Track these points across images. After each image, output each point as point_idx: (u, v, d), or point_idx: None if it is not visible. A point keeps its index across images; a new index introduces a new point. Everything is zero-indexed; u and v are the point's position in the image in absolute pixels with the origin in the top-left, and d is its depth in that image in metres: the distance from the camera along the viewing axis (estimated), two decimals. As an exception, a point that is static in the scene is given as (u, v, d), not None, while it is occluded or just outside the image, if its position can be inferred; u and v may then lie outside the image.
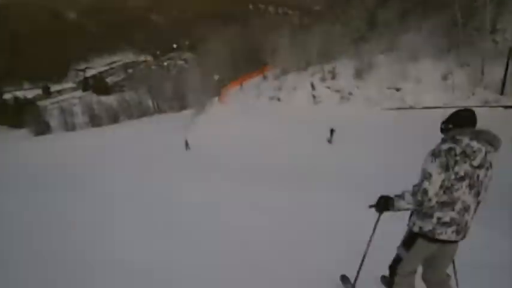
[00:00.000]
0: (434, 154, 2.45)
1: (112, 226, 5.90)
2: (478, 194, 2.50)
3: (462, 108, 2.72)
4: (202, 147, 26.86)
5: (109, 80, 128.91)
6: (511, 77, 20.40)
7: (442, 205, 2.47)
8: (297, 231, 5.38)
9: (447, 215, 2.47)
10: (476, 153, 2.45)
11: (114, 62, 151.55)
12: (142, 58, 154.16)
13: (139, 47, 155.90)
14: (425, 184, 2.41)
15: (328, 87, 27.71)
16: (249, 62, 48.47)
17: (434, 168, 2.40)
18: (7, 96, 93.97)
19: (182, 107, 50.69)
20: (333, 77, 27.77)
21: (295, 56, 32.50)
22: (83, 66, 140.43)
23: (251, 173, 15.18)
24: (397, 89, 23.84)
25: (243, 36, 58.45)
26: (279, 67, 35.49)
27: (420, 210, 2.57)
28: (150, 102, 62.10)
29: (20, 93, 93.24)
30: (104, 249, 4.83)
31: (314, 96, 28.32)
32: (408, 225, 2.74)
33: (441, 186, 2.42)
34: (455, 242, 2.58)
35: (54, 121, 63.68)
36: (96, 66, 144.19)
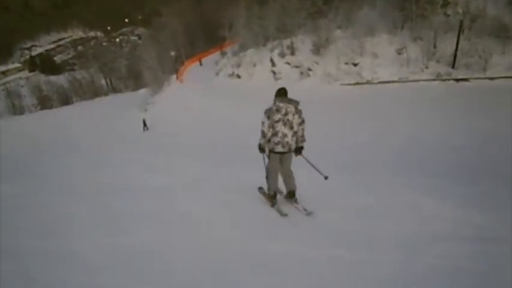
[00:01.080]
0: (265, 112, 4.63)
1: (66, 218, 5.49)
2: (291, 127, 4.63)
3: (281, 87, 4.80)
4: (160, 127, 26.17)
5: (57, 58, 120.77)
6: (462, 51, 21.19)
7: (272, 135, 4.65)
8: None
9: (276, 140, 4.65)
10: (282, 108, 4.55)
11: (63, 39, 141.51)
12: (92, 34, 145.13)
13: (88, 23, 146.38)
14: (262, 127, 4.68)
15: (288, 63, 27.50)
16: (207, 38, 47.10)
17: (264, 119, 4.62)
18: None
19: (138, 86, 48.73)
20: (292, 53, 27.54)
21: (253, 31, 31.79)
22: (28, 44, 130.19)
23: (206, 152, 14.99)
24: (355, 64, 24.13)
25: (199, 10, 56.39)
26: (238, 43, 34.69)
27: (266, 141, 4.72)
28: (103, 81, 59.17)
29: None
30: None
31: (274, 73, 28.07)
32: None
33: (269, 126, 4.61)
34: (285, 152, 4.75)
35: (0, 104, 59.20)
36: (43, 44, 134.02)
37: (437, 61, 22.33)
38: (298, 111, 4.62)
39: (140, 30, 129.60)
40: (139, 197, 6.29)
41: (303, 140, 4.80)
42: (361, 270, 3.34)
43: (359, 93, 22.91)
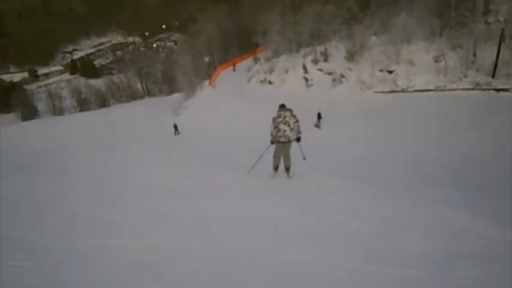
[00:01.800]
0: (272, 119, 7.32)
1: (102, 214, 5.69)
2: (289, 125, 7.11)
3: (282, 103, 7.69)
4: (192, 131, 26.69)
5: (97, 62, 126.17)
6: (503, 60, 20.27)
7: (276, 132, 7.19)
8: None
9: (279, 134, 7.14)
10: (281, 115, 7.16)
11: (102, 44, 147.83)
12: (130, 39, 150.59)
13: (127, 28, 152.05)
14: (270, 129, 7.34)
15: (321, 70, 27.34)
16: (241, 44, 47.66)
17: (271, 123, 7.30)
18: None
19: (172, 90, 49.95)
20: (325, 59, 27.37)
21: (287, 37, 31.88)
22: (70, 48, 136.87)
23: (234, 157, 15.06)
24: (390, 72, 23.63)
25: (234, 16, 57.26)
26: (271, 49, 34.88)
27: (274, 136, 7.31)
28: (139, 85, 61.05)
29: (6, 77, 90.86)
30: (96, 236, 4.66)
31: (306, 79, 27.98)
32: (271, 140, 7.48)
33: (274, 127, 7.24)
34: (285, 142, 7.17)
35: (41, 105, 62.34)
36: (83, 48, 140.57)
37: (477, 70, 21.45)
38: (293, 115, 7.28)
39: (176, 36, 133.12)
40: (170, 200, 6.43)
41: (299, 132, 7.35)
42: (386, 285, 3.25)
43: (394, 101, 22.39)
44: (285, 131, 7.13)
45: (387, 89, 23.44)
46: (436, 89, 21.67)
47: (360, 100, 24.06)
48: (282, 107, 7.41)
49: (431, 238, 4.05)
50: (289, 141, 7.21)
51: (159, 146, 24.11)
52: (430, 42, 23.26)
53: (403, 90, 22.76)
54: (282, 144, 7.25)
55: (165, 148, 23.12)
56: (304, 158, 7.54)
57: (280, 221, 5.01)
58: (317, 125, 22.27)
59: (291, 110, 7.27)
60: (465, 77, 21.66)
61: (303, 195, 6.45)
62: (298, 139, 7.33)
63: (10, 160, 18.97)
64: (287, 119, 7.10)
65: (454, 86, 21.39)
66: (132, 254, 3.99)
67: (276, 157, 7.53)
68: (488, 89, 20.38)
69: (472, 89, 20.99)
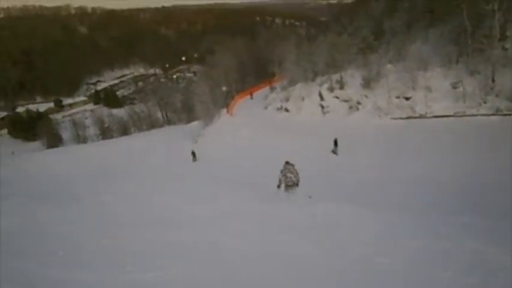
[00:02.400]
0: (280, 171, 10.72)
1: (119, 247, 5.79)
2: (292, 173, 10.52)
3: (287, 161, 10.93)
4: (209, 158, 26.96)
5: (119, 93, 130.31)
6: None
7: (284, 178, 10.53)
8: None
9: (286, 179, 10.53)
10: (287, 167, 10.64)
11: (125, 75, 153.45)
12: (152, 71, 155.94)
13: (149, 60, 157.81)
14: (279, 177, 10.65)
15: (337, 97, 27.52)
16: (257, 74, 48.67)
17: (280, 174, 10.65)
18: (20, 109, 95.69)
19: (191, 119, 50.85)
20: (341, 87, 27.59)
21: (303, 66, 32.44)
22: (94, 79, 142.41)
23: (254, 187, 15.01)
24: (407, 98, 23.58)
25: (251, 47, 58.91)
26: (287, 78, 35.49)
27: (282, 182, 10.67)
28: (159, 114, 62.52)
29: (32, 107, 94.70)
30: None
31: (322, 106, 28.17)
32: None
33: (282, 175, 10.56)
34: (291, 186, 10.52)
35: (66, 134, 64.38)
36: (107, 80, 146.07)
37: (496, 95, 21.20)
38: (294, 169, 10.52)
39: (196, 67, 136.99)
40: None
41: (298, 180, 10.48)
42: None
43: (411, 127, 22.19)
44: (291, 178, 10.42)
45: (404, 115, 23.32)
46: (456, 115, 21.43)
47: (377, 126, 23.97)
48: (287, 163, 10.74)
49: (467, 274, 3.90)
50: (294, 184, 10.50)
51: (178, 174, 24.29)
52: (447, 69, 23.25)
53: (421, 116, 22.60)
54: (289, 187, 10.50)
55: (183, 176, 23.31)
56: (310, 197, 10.82)
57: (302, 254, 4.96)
58: (334, 151, 22.21)
59: (293, 165, 10.65)
60: (484, 102, 21.41)
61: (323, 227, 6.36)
62: (297, 184, 10.55)
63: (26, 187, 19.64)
64: (291, 169, 10.48)
65: (474, 111, 21.15)
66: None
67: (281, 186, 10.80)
68: (510, 114, 20.03)
69: (492, 115, 20.68)
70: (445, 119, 21.82)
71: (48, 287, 4.23)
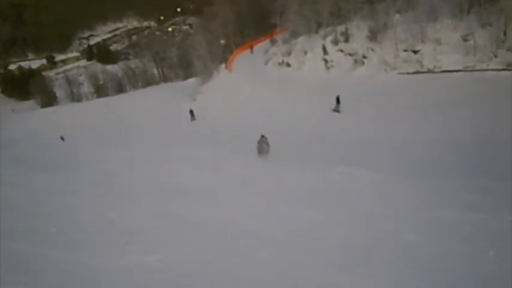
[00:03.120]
0: (258, 141, 14.47)
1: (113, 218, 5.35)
2: (266, 144, 14.49)
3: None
4: (207, 117, 26.35)
5: (113, 47, 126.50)
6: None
7: (260, 146, 14.53)
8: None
9: (260, 147, 14.57)
10: (262, 139, 14.54)
11: (118, 29, 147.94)
12: (146, 24, 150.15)
13: (142, 13, 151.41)
14: (257, 145, 14.56)
15: (341, 51, 26.25)
16: (257, 26, 46.49)
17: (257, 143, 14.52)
18: (12, 67, 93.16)
19: (188, 75, 49.47)
20: (346, 40, 26.22)
21: (306, 17, 30.65)
22: (86, 34, 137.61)
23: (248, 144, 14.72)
24: (415, 52, 22.44)
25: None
26: (289, 30, 33.78)
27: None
28: (155, 71, 60.81)
29: (24, 64, 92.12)
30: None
31: (326, 61, 27.00)
32: None
33: (259, 145, 14.46)
34: (265, 153, 14.36)
35: (60, 92, 63.09)
36: (100, 34, 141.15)
37: (508, 49, 20.10)
38: (267, 141, 14.11)
39: (192, 19, 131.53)
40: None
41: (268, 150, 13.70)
42: None
43: (419, 82, 21.32)
44: (265, 148, 13.93)
45: (412, 70, 22.34)
46: (465, 69, 20.49)
47: (383, 82, 23.07)
48: (263, 136, 14.18)
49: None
50: (266, 151, 13.97)
51: (176, 134, 23.75)
52: (458, 20, 21.88)
53: (430, 71, 21.64)
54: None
55: (181, 137, 22.81)
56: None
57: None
58: (336, 110, 21.51)
59: (266, 138, 14.16)
60: (495, 56, 20.38)
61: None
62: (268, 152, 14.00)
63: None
64: (265, 141, 14.00)
65: (484, 66, 20.18)
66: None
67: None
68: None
69: (504, 70, 19.76)
70: (454, 73, 20.89)
71: (42, 266, 3.90)
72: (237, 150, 14.45)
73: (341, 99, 21.29)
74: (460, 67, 20.70)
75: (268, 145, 14.00)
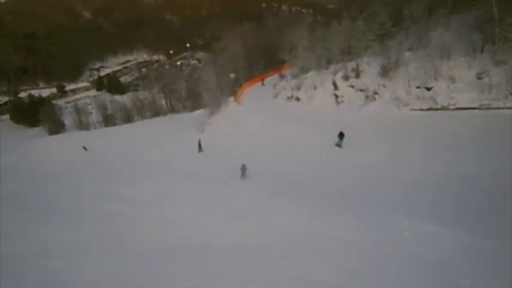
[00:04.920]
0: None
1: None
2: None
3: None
4: (215, 148, 25.97)
5: (123, 79, 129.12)
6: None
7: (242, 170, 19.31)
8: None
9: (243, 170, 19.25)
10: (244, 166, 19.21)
11: (128, 61, 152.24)
12: (155, 57, 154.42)
13: (152, 47, 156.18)
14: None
15: (352, 86, 26.11)
16: (266, 61, 47.20)
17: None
18: (22, 95, 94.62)
19: (195, 107, 49.72)
20: (357, 75, 26.14)
21: (316, 53, 30.96)
22: (97, 65, 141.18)
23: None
24: (428, 89, 22.19)
25: (258, 34, 57.24)
26: (298, 65, 34.04)
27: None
28: (163, 102, 61.37)
29: (35, 92, 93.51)
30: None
31: (336, 96, 26.83)
32: None
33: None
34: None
35: (68, 120, 63.54)
36: (110, 66, 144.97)
37: (524, 88, 19.81)
38: (245, 167, 18.85)
39: (200, 54, 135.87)
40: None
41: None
42: None
43: (433, 119, 20.91)
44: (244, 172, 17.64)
45: (425, 107, 21.99)
46: (480, 107, 20.10)
47: (394, 118, 22.74)
48: (243, 165, 18.53)
49: None
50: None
51: (182, 167, 23.36)
52: (472, 58, 21.76)
53: (444, 108, 21.27)
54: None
55: (188, 168, 22.45)
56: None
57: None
58: (338, 144, 21.18)
59: (245, 165, 18.41)
60: (511, 94, 20.04)
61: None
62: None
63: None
64: (245, 167, 18.34)
65: (500, 104, 19.78)
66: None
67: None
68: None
69: (520, 107, 19.36)
70: (469, 111, 20.49)
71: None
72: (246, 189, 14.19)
73: (350, 134, 21.03)
74: (475, 105, 20.32)
75: (245, 170, 18.50)
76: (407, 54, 24.90)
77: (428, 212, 10.72)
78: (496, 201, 10.91)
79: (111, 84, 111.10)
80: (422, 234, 8.14)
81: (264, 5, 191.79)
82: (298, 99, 29.84)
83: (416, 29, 26.30)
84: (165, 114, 56.81)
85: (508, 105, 19.81)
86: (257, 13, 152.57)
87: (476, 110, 20.35)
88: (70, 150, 33.73)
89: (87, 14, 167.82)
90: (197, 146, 26.92)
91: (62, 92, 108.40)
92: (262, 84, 39.03)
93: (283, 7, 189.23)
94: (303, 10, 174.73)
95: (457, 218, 9.94)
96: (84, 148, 32.60)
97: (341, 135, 21.08)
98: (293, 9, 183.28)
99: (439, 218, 9.50)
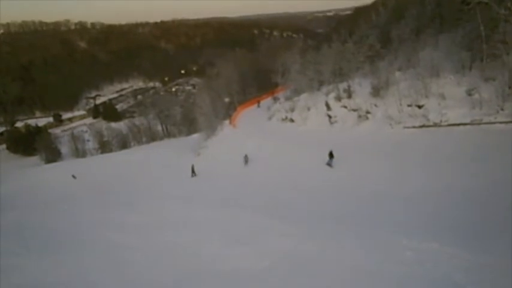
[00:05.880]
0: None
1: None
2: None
3: None
4: (208, 173, 26.02)
5: (119, 106, 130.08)
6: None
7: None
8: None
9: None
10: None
11: (124, 89, 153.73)
12: (151, 84, 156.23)
13: (148, 74, 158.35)
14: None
15: (345, 106, 26.44)
16: (259, 85, 47.94)
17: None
18: (19, 124, 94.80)
19: (191, 131, 50.12)
20: (349, 96, 26.53)
21: (308, 76, 31.57)
22: (93, 94, 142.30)
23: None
24: (419, 106, 22.51)
25: (251, 59, 58.48)
26: (291, 88, 34.60)
27: None
28: (159, 127, 61.81)
29: (31, 122, 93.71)
30: None
31: (330, 116, 27.12)
32: None
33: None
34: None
35: (65, 148, 63.58)
36: (106, 94, 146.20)
37: (514, 102, 20.16)
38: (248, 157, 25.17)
39: (195, 80, 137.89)
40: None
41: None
42: None
43: (426, 136, 21.10)
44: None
45: (418, 124, 22.24)
46: (472, 123, 20.36)
47: (388, 136, 22.92)
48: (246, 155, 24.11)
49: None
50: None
51: (178, 192, 23.31)
52: (461, 76, 22.23)
53: (436, 125, 21.51)
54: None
55: (185, 193, 22.40)
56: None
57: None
58: (329, 164, 21.35)
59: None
60: (502, 109, 20.34)
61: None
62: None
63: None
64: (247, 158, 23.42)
65: (492, 119, 20.05)
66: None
67: None
68: (530, 122, 18.98)
69: (511, 122, 19.62)
70: (461, 127, 20.74)
71: None
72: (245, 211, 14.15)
73: (345, 153, 21.18)
74: (467, 120, 20.56)
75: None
76: (397, 73, 25.35)
77: (427, 230, 10.69)
78: (492, 217, 10.91)
79: (107, 112, 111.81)
80: (423, 253, 8.09)
81: (255, 31, 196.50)
82: (292, 120, 30.14)
83: (404, 49, 26.90)
84: (161, 139, 57.17)
85: (499, 119, 20.08)
86: (249, 39, 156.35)
87: (469, 126, 20.57)
88: (65, 178, 33.51)
89: (83, 44, 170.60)
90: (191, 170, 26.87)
91: (59, 121, 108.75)
92: (258, 106, 39.49)
93: (275, 33, 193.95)
94: (294, 35, 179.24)
95: (456, 235, 9.92)
96: (73, 176, 32.18)
97: (331, 154, 21.26)
98: (284, 35, 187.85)
99: (438, 236, 9.47)
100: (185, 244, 9.72)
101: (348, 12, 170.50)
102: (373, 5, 70.38)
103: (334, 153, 21.32)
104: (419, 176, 17.09)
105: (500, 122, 19.80)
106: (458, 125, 20.75)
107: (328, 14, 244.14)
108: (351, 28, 43.68)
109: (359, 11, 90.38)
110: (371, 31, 32.04)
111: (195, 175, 26.65)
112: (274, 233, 10.57)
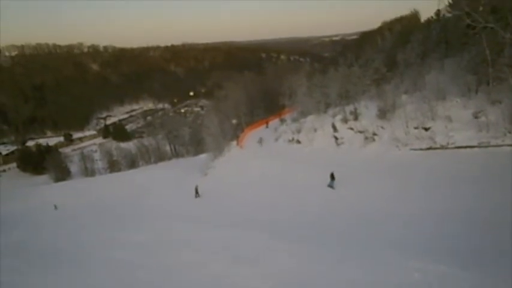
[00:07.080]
0: None
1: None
2: None
3: None
4: (215, 192, 25.93)
5: (128, 127, 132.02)
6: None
7: None
8: None
9: None
10: None
11: (134, 110, 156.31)
12: (160, 106, 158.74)
13: (158, 96, 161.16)
14: None
15: (351, 128, 26.63)
16: (266, 107, 48.51)
17: None
18: (30, 143, 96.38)
19: (198, 151, 50.54)
20: (356, 118, 26.76)
21: (315, 98, 31.97)
22: (104, 114, 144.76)
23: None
24: (426, 129, 22.60)
25: (258, 82, 59.40)
26: (298, 110, 34.99)
27: None
28: (167, 147, 62.42)
29: (42, 141, 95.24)
30: None
31: (336, 138, 27.28)
32: None
33: None
34: None
35: (74, 167, 64.36)
36: (117, 114, 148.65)
37: (522, 125, 20.14)
38: None
39: (203, 102, 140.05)
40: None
41: None
42: None
43: (433, 158, 21.06)
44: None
45: (425, 146, 22.25)
46: (480, 145, 20.33)
47: (395, 158, 22.92)
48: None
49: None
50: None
51: (184, 212, 23.26)
52: (467, 99, 22.38)
53: (443, 147, 21.51)
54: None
55: (191, 213, 22.39)
56: None
57: None
58: (330, 185, 21.29)
59: None
60: (509, 132, 20.32)
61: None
62: None
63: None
64: None
65: (499, 141, 20.01)
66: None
67: None
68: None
69: (519, 145, 19.55)
70: (468, 149, 20.70)
71: None
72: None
73: (352, 175, 21.18)
74: (474, 143, 20.54)
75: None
76: (404, 96, 25.61)
77: (434, 251, 10.60)
78: (497, 239, 10.78)
79: (117, 132, 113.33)
80: (431, 274, 8.03)
81: (263, 55, 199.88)
82: (298, 141, 30.32)
83: (410, 73, 27.23)
84: (169, 158, 57.62)
85: (506, 142, 20.01)
86: (257, 63, 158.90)
87: (476, 148, 20.54)
88: (73, 196, 33.83)
89: (95, 67, 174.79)
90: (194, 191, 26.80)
91: (69, 141, 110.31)
92: (267, 127, 39.82)
93: (282, 56, 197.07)
94: (301, 59, 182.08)
95: (462, 256, 9.83)
96: (55, 207, 31.49)
97: (332, 176, 21.23)
98: (291, 58, 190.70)
99: (445, 257, 9.40)
100: (190, 262, 9.73)
101: (354, 36, 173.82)
102: (378, 30, 71.81)
103: (340, 174, 21.26)
104: (426, 197, 16.91)
105: (508, 145, 19.74)
106: (465, 147, 20.73)
107: (335, 38, 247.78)
108: (357, 52, 44.49)
109: (365, 36, 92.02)
110: (377, 55, 32.62)
111: (199, 196, 26.50)
112: (278, 253, 10.55)
